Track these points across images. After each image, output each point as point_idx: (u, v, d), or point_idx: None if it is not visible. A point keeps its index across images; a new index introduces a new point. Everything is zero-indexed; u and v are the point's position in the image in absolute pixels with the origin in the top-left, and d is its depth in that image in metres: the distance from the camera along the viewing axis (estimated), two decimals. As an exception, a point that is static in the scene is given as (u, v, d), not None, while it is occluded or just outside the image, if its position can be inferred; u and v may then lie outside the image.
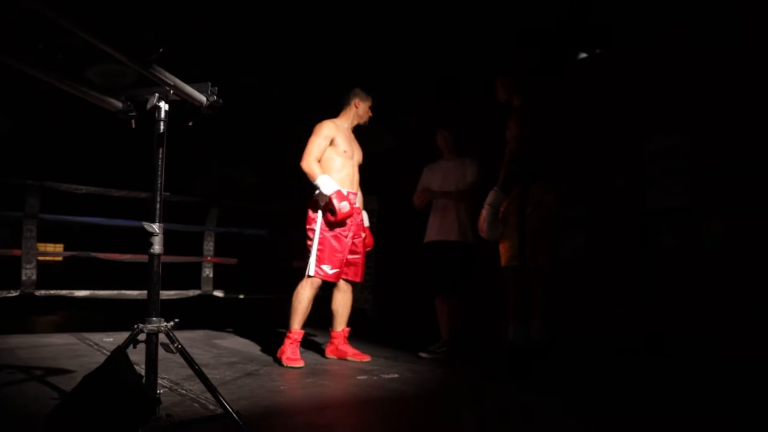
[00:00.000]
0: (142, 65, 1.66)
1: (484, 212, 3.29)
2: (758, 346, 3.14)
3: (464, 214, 3.90)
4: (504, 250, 3.31)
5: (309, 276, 3.37)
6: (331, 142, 3.48)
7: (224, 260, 5.41)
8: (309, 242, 3.44)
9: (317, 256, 3.39)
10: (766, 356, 3.10)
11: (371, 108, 3.71)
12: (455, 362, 3.58)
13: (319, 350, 3.87)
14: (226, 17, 4.92)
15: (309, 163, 3.40)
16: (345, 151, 3.51)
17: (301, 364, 3.24)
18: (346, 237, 3.49)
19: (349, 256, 3.56)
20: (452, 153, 4.04)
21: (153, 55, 1.63)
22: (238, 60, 5.64)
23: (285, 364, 3.22)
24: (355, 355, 3.54)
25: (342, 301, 3.64)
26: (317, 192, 3.40)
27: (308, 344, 4.11)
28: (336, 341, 3.62)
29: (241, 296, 5.37)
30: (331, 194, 3.31)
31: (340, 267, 3.45)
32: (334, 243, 3.42)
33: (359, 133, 3.77)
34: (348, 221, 3.47)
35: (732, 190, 3.41)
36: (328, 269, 3.38)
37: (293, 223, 3.48)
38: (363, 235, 3.67)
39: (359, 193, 3.70)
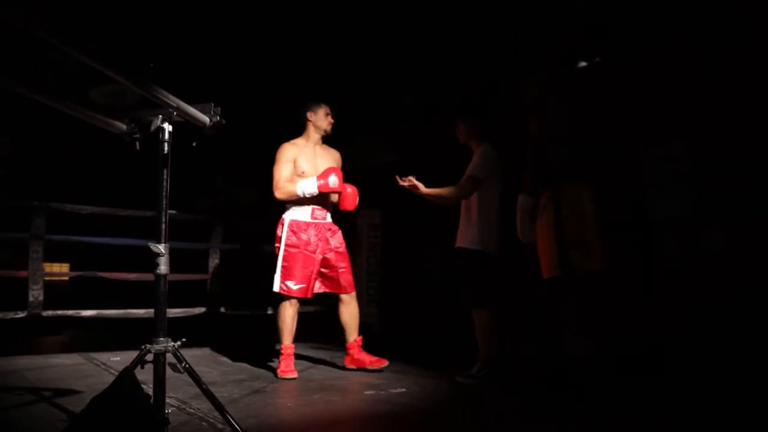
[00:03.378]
0: (142, 86, 1.68)
1: (517, 217, 3.24)
2: (761, 353, 3.11)
3: (468, 215, 3.54)
4: (544, 260, 3.09)
5: (274, 291, 3.49)
6: (294, 164, 3.57)
7: (229, 277, 5.42)
8: (274, 259, 3.54)
9: (281, 272, 3.48)
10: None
11: (329, 114, 3.70)
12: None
13: (327, 366, 3.88)
14: (228, 34, 4.97)
15: (282, 189, 3.50)
16: (304, 172, 3.58)
17: (294, 375, 3.38)
18: (313, 252, 3.55)
19: (324, 270, 3.63)
20: (472, 145, 3.63)
21: (146, 71, 1.66)
22: (240, 75, 5.68)
23: (279, 376, 3.38)
24: (372, 362, 3.61)
25: (348, 312, 3.69)
26: (302, 194, 3.47)
27: (316, 361, 4.11)
28: (352, 351, 3.69)
29: (247, 312, 5.37)
30: (318, 186, 3.44)
31: (306, 283, 3.51)
32: (299, 258, 3.50)
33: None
34: (313, 238, 3.56)
35: (735, 196, 3.40)
36: (292, 285, 3.47)
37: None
38: (338, 246, 3.66)
39: (328, 212, 3.70)
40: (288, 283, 3.46)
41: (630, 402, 2.79)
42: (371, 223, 5.82)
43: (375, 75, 5.35)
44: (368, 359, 3.63)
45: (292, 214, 3.58)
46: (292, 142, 3.66)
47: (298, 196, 3.48)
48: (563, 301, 3.03)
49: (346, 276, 3.67)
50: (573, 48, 4.38)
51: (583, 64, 4.43)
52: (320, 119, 3.68)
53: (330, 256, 3.62)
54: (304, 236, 3.54)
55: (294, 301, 3.49)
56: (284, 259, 3.49)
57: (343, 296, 3.67)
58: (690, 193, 3.64)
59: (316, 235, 3.58)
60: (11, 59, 1.58)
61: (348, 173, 3.74)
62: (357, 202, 3.66)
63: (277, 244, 3.57)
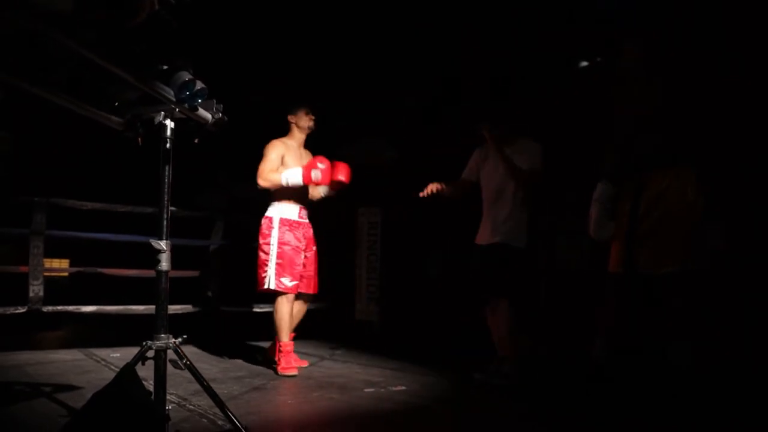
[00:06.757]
0: (145, 82, 1.68)
1: (592, 210, 2.87)
2: (761, 352, 3.11)
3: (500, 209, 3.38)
4: (612, 253, 2.84)
5: (269, 289, 3.48)
6: (282, 161, 3.58)
7: (230, 273, 5.42)
8: (264, 256, 3.53)
9: (276, 269, 3.49)
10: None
11: (309, 113, 3.70)
12: (464, 373, 3.55)
13: (328, 363, 3.88)
14: (227, 30, 4.96)
15: (266, 177, 3.49)
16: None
17: (294, 372, 3.39)
18: (302, 251, 3.61)
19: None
20: (507, 138, 3.43)
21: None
22: (242, 72, 5.68)
23: (280, 373, 3.39)
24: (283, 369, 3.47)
25: (300, 311, 3.75)
26: (286, 183, 3.46)
27: (316, 357, 4.11)
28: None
29: (247, 309, 5.37)
30: (302, 176, 3.42)
31: (299, 279, 3.57)
32: (292, 255, 3.54)
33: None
34: (301, 236, 3.61)
35: (733, 194, 3.39)
36: (287, 281, 3.50)
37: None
38: (314, 248, 3.76)
39: (308, 212, 3.74)
40: (283, 279, 3.48)
41: (629, 403, 2.78)
42: (371, 221, 5.82)
43: (376, 75, 5.35)
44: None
45: (281, 212, 3.59)
46: (281, 140, 3.68)
47: (281, 185, 3.48)
48: (610, 300, 2.82)
49: (314, 278, 3.74)
50: (577, 48, 4.37)
51: (584, 63, 4.42)
52: (302, 120, 3.69)
53: (309, 255, 3.70)
54: (295, 234, 3.59)
55: (291, 297, 3.52)
56: (279, 257, 3.50)
57: (307, 296, 3.73)
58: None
59: (303, 235, 3.65)
60: (12, 54, 1.58)
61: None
62: (348, 172, 3.58)
63: (264, 241, 3.55)
